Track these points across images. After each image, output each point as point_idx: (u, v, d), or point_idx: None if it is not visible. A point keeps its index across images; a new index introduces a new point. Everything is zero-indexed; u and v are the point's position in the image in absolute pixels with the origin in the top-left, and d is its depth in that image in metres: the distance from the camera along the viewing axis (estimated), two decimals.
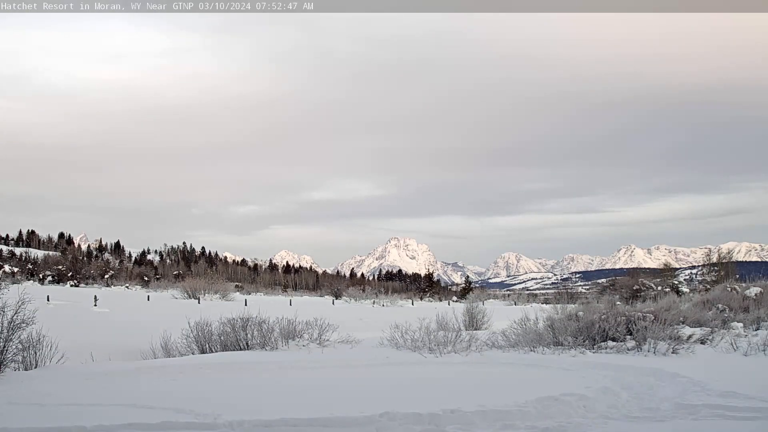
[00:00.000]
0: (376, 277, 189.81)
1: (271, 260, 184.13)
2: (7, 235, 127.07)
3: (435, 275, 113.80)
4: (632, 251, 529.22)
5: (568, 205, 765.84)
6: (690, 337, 12.65)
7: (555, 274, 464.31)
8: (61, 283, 53.47)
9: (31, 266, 69.29)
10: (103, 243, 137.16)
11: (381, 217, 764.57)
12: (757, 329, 15.21)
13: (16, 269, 56.79)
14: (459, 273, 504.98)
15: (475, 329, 18.03)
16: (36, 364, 9.72)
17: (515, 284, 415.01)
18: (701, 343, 12.63)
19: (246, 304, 27.38)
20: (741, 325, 15.07)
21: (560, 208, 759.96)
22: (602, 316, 13.07)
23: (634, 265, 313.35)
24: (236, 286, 64.30)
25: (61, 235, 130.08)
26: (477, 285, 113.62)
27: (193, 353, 12.42)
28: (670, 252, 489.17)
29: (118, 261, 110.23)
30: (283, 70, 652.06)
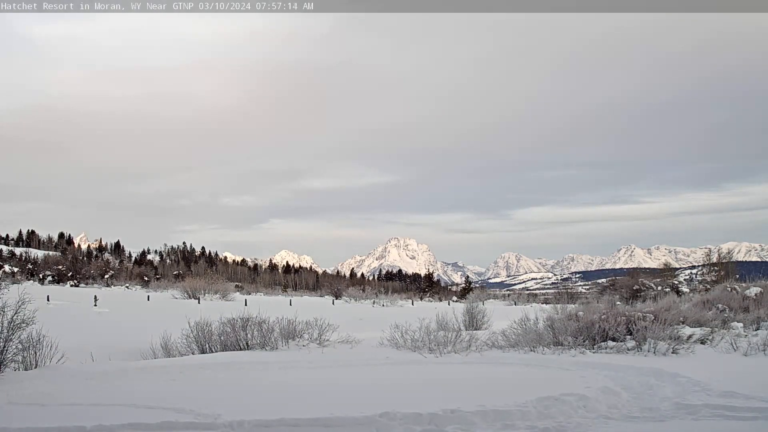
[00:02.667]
0: (376, 277, 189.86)
1: (271, 260, 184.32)
2: (7, 235, 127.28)
3: (435, 275, 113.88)
4: (632, 251, 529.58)
5: (599, 196, 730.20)
6: (690, 337, 12.65)
7: (555, 274, 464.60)
8: (61, 283, 53.44)
9: (31, 266, 69.28)
10: (103, 243, 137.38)
11: (384, 210, 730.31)
12: (757, 329, 15.21)
13: (16, 269, 56.75)
14: (459, 273, 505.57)
15: (475, 329, 18.01)
16: (36, 364, 9.71)
17: (515, 284, 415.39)
18: (701, 343, 12.63)
19: (246, 304, 27.37)
20: (741, 325, 15.06)
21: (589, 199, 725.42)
22: (602, 316, 13.07)
23: (634, 265, 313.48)
24: (236, 286, 64.30)
25: (61, 235, 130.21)
26: (477, 285, 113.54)
27: (193, 353, 12.41)
28: (670, 252, 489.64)
29: (118, 261, 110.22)
30: (278, 31, 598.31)
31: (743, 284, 22.68)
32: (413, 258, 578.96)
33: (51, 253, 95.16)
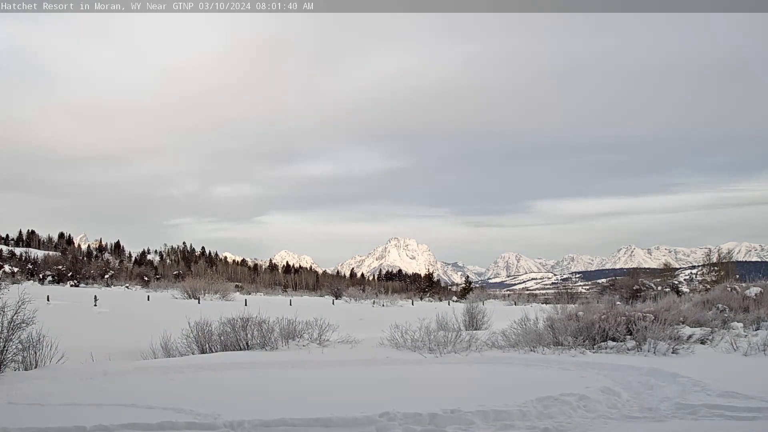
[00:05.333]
0: (376, 277, 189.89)
1: (271, 260, 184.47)
2: (7, 235, 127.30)
3: (435, 275, 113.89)
4: (632, 251, 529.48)
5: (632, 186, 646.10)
6: (690, 337, 12.65)
7: (555, 274, 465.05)
8: (61, 283, 53.48)
9: (31, 266, 69.31)
10: (103, 243, 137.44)
11: (387, 202, 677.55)
12: (757, 329, 15.21)
13: (16, 269, 56.86)
14: (459, 273, 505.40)
15: (475, 329, 18.02)
16: (36, 364, 9.71)
17: (515, 284, 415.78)
18: (701, 343, 12.63)
19: (246, 304, 27.39)
20: (741, 325, 15.07)
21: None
22: (602, 316, 13.07)
23: (634, 265, 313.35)
24: (236, 286, 64.40)
25: (61, 235, 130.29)
26: (477, 285, 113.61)
27: (193, 353, 12.40)
28: (670, 252, 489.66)
29: (118, 261, 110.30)
30: None
31: (743, 284, 22.69)
32: (413, 258, 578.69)
33: (51, 253, 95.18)
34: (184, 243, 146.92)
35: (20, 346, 9.53)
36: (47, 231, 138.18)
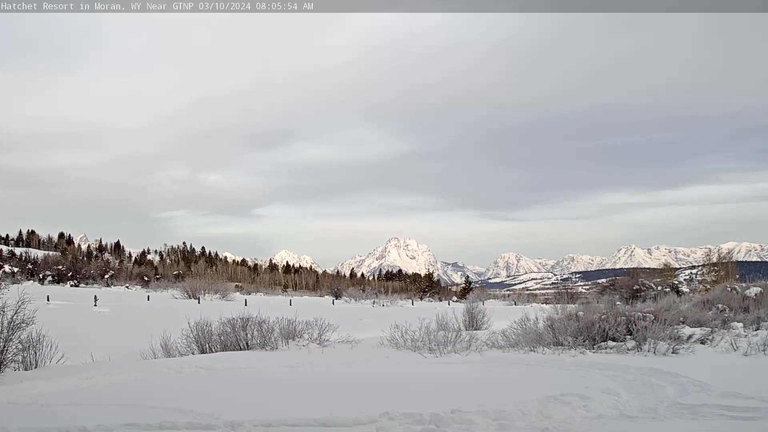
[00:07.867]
0: (376, 277, 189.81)
1: (271, 260, 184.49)
2: (7, 235, 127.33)
3: (435, 275, 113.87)
4: (632, 251, 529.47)
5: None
6: (690, 337, 12.65)
7: (555, 274, 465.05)
8: (61, 283, 53.52)
9: (31, 266, 69.29)
10: (103, 243, 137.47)
11: (390, 193, 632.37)
12: (757, 329, 15.22)
13: (16, 269, 56.84)
14: (459, 273, 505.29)
15: (475, 329, 18.03)
16: (36, 364, 9.71)
17: (515, 284, 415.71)
18: (701, 343, 12.63)
19: (246, 304, 27.40)
20: (741, 325, 15.08)
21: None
22: (602, 316, 13.07)
23: (634, 265, 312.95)
24: (236, 286, 64.43)
25: (61, 235, 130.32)
26: (477, 285, 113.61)
27: (193, 353, 12.41)
28: (670, 252, 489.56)
29: (118, 261, 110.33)
30: None
31: (743, 284, 22.71)
32: (413, 258, 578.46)
33: (51, 253, 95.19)
34: (184, 243, 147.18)
35: (20, 346, 9.52)
36: (45, 230, 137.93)
